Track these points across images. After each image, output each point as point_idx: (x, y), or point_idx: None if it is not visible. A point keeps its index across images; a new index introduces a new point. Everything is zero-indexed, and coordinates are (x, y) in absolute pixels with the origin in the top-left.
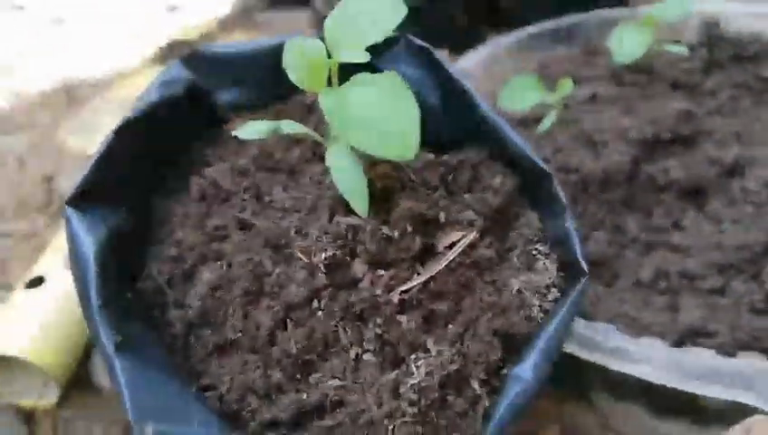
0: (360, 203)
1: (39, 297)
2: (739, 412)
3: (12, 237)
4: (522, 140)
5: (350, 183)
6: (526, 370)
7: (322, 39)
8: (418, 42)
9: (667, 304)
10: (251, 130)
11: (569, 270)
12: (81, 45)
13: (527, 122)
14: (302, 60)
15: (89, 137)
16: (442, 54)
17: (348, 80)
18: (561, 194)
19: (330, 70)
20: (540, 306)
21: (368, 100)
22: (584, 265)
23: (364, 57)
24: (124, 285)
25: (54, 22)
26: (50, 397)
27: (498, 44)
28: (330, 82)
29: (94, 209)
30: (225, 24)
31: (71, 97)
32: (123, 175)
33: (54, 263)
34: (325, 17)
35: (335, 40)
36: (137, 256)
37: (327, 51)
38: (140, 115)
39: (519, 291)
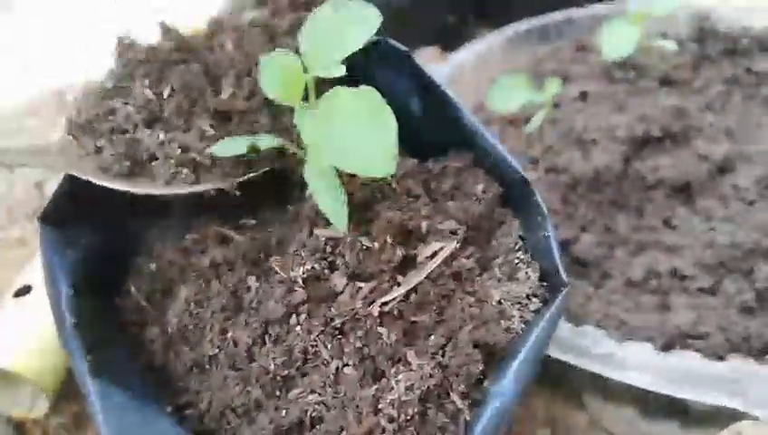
0: (338, 219)
1: (27, 307)
2: (728, 414)
3: (2, 245)
4: (503, 147)
5: (329, 199)
6: (506, 383)
7: (298, 51)
8: (398, 46)
9: (658, 304)
10: (228, 146)
11: (549, 279)
12: (68, 49)
13: (517, 121)
14: (278, 75)
15: None
16: (423, 59)
17: (327, 90)
18: (542, 203)
19: (306, 84)
20: (521, 317)
21: (344, 117)
22: (564, 277)
23: (340, 71)
24: (101, 301)
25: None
26: (40, 407)
27: (487, 42)
28: (307, 97)
29: (68, 225)
30: (214, 27)
31: (60, 102)
32: (97, 189)
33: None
34: None
35: (311, 53)
36: (114, 269)
37: (303, 65)
38: None
39: (500, 302)
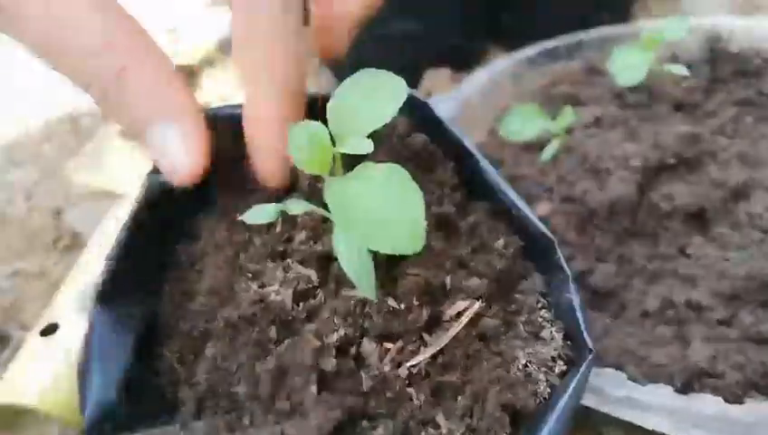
0: (367, 287)
1: (53, 345)
2: None
3: (22, 276)
4: (524, 203)
5: (357, 266)
6: None
7: (325, 122)
8: (416, 95)
9: (674, 335)
10: (257, 214)
11: (574, 340)
12: None
13: (530, 148)
14: (306, 146)
15: (95, 169)
16: (433, 81)
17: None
18: (564, 263)
19: (334, 156)
20: (547, 380)
21: (371, 195)
22: (589, 342)
23: (367, 148)
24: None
25: None
26: None
27: (497, 68)
28: (334, 169)
29: (118, 307)
30: (226, 47)
31: (75, 127)
32: (137, 267)
33: (67, 307)
34: None
35: (338, 127)
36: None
37: (331, 137)
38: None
39: (525, 365)
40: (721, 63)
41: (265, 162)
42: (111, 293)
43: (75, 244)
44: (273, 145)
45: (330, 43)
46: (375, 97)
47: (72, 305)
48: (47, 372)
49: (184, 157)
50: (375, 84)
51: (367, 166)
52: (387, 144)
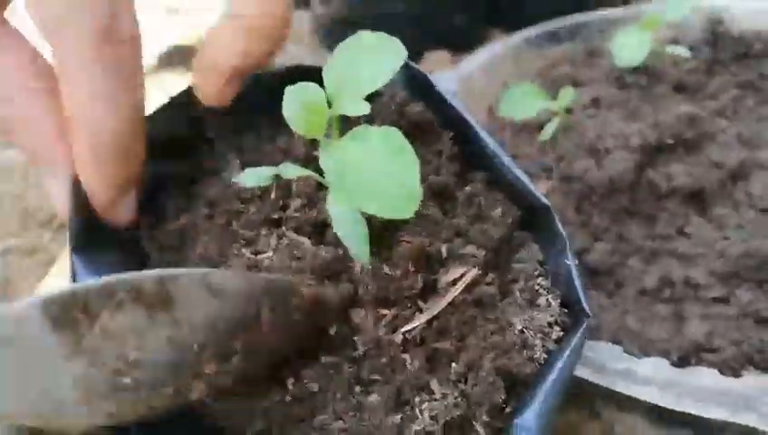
0: (360, 251)
1: None
2: (743, 427)
3: (16, 253)
4: (520, 171)
5: (351, 231)
6: (530, 419)
7: (322, 85)
8: (415, 67)
9: (672, 313)
10: (252, 176)
11: (571, 308)
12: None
13: (529, 127)
14: (301, 108)
15: None
16: (433, 62)
17: (349, 122)
18: (562, 229)
19: (329, 118)
20: (543, 346)
21: (367, 157)
22: (587, 308)
23: (364, 109)
24: None
25: None
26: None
27: (498, 48)
28: (329, 131)
29: (95, 254)
30: None
31: None
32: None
33: (61, 284)
34: (323, 22)
35: (335, 89)
36: None
37: (327, 99)
38: None
39: (522, 331)
40: (722, 46)
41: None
42: (85, 241)
43: None
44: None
45: (205, 91)
46: (372, 59)
47: (65, 282)
48: None
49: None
50: (373, 46)
51: (363, 129)
52: (385, 113)
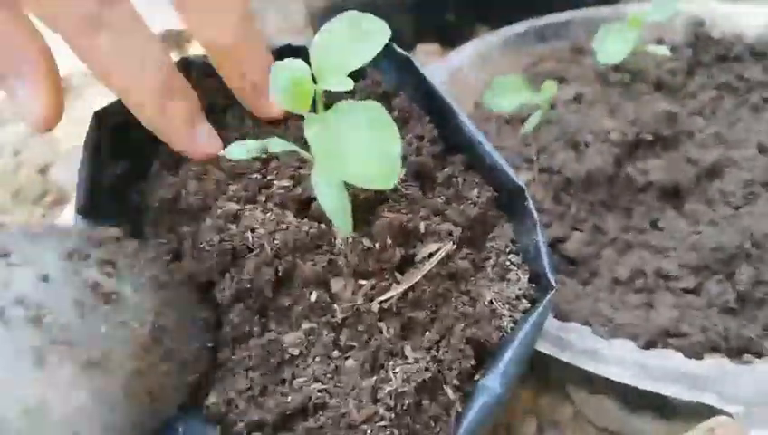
0: (343, 223)
1: None
2: (704, 408)
3: None
4: (497, 153)
5: (335, 204)
6: (494, 379)
7: (308, 61)
8: (399, 50)
9: (643, 302)
10: (239, 150)
11: (539, 282)
12: None
13: (513, 120)
14: (287, 84)
15: (83, 127)
16: (423, 57)
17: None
18: (533, 209)
19: (315, 93)
20: (510, 317)
21: (350, 130)
22: (552, 280)
23: (348, 85)
24: None
25: None
26: None
27: (486, 42)
28: (315, 107)
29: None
30: None
31: (65, 87)
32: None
33: None
34: (317, 12)
35: (320, 65)
36: None
37: (312, 75)
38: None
39: (491, 302)
40: (703, 48)
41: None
42: (89, 207)
43: (61, 199)
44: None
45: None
46: (358, 37)
47: None
48: None
49: (36, 107)
50: (358, 25)
51: (347, 103)
52: (367, 93)
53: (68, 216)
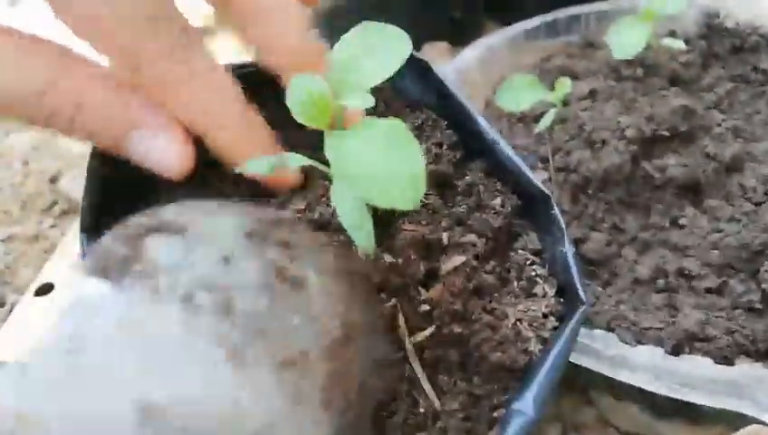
0: (365, 241)
1: (48, 305)
2: (735, 414)
3: (17, 240)
4: (520, 160)
5: (355, 220)
6: (526, 404)
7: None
8: (418, 56)
9: (665, 303)
10: (255, 164)
11: (567, 295)
12: (71, 41)
13: (525, 118)
14: (306, 100)
15: None
16: (431, 55)
17: None
18: (560, 217)
19: (334, 110)
20: (537, 336)
21: (371, 148)
22: (582, 295)
23: (368, 102)
24: None
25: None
26: None
27: (495, 40)
28: (335, 123)
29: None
30: (222, 15)
31: None
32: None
33: (63, 268)
34: (322, 12)
35: (339, 81)
36: None
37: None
38: None
39: (515, 323)
40: (717, 39)
41: None
42: (93, 223)
43: (70, 209)
44: None
45: None
46: (377, 51)
47: (66, 268)
48: (41, 331)
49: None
50: (377, 38)
51: (368, 120)
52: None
53: (77, 225)
